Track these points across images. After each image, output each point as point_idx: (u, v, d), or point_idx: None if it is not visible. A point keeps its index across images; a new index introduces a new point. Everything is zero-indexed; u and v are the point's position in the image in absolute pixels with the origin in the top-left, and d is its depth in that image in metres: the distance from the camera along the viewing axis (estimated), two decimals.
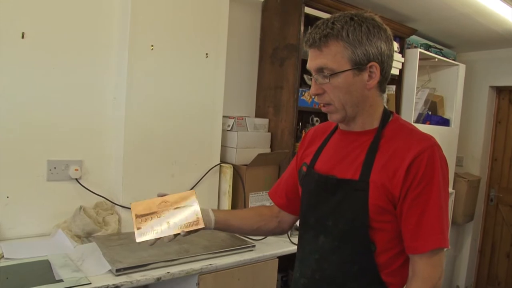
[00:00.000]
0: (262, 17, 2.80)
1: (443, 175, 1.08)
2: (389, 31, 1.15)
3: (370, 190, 1.09)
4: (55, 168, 1.97)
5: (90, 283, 1.45)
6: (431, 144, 1.09)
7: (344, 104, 1.14)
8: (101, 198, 2.09)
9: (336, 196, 1.16)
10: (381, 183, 1.08)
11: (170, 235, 1.21)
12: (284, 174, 1.47)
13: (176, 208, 1.26)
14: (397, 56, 3.10)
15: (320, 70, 1.13)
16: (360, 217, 1.10)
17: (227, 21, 2.38)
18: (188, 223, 1.23)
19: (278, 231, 1.49)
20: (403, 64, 3.20)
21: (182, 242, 1.89)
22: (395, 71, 3.14)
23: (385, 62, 1.14)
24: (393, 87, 3.24)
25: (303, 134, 2.60)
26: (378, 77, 1.13)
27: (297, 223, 1.40)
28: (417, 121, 3.37)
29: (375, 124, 1.18)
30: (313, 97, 2.61)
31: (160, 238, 1.21)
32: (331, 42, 1.10)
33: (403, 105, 3.28)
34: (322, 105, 1.18)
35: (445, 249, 1.09)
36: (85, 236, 1.90)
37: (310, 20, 2.68)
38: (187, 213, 1.25)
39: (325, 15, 2.75)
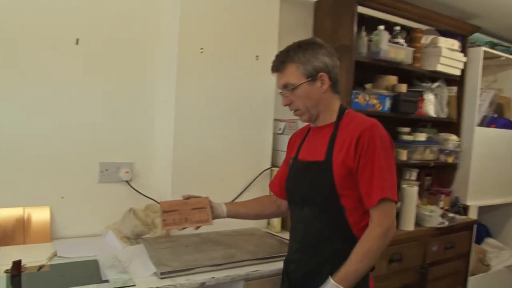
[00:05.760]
0: (314, 18, 2.73)
1: (381, 145, 1.40)
2: (329, 47, 1.52)
3: (334, 166, 1.43)
4: (106, 170, 2.02)
5: (135, 285, 1.46)
6: (370, 124, 1.43)
7: (308, 107, 1.51)
8: (151, 200, 2.12)
9: (310, 175, 1.51)
10: (341, 159, 1.43)
11: (180, 226, 1.64)
12: (279, 170, 1.83)
13: (193, 209, 1.65)
14: (458, 56, 2.92)
15: (285, 86, 1.51)
16: (330, 188, 1.44)
17: (278, 22, 2.34)
18: (201, 220, 1.64)
19: (277, 214, 1.89)
20: (465, 63, 3.01)
21: (229, 247, 1.87)
22: (456, 71, 2.96)
23: (331, 71, 1.49)
24: (454, 88, 3.05)
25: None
26: (328, 82, 1.49)
27: None
28: (481, 124, 3.15)
29: (334, 118, 1.53)
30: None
31: (177, 227, 1.64)
32: (288, 65, 1.49)
33: (465, 107, 3.09)
34: (293, 111, 1.55)
35: (396, 203, 1.42)
36: (134, 238, 1.92)
37: (365, 20, 2.58)
38: (201, 213, 1.65)
39: (380, 15, 2.66)
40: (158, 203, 2.11)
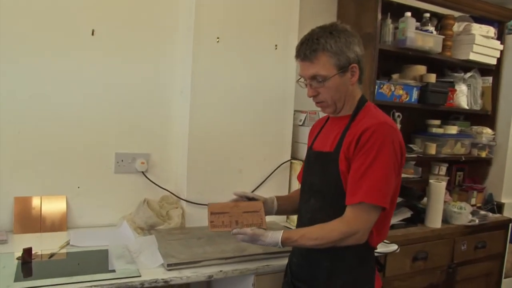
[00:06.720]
0: (338, 5, 2.64)
1: (383, 146, 1.30)
2: (358, 36, 1.42)
3: (340, 159, 1.38)
4: (122, 160, 2.02)
5: (140, 276, 1.45)
6: (379, 122, 1.34)
7: (335, 100, 1.43)
8: (167, 191, 2.11)
9: (319, 165, 1.47)
10: (346, 154, 1.37)
11: (230, 229, 1.50)
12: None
13: (245, 212, 1.57)
14: (493, 43, 2.75)
15: (313, 77, 1.40)
16: (336, 180, 1.38)
17: (298, 9, 2.26)
18: (253, 224, 1.52)
19: None
20: (501, 52, 2.83)
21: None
22: (491, 60, 2.79)
23: (361, 61, 1.41)
24: (489, 79, 2.89)
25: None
26: (357, 74, 1.41)
27: None
28: None
29: (352, 110, 1.45)
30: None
31: (226, 230, 1.52)
32: (319, 54, 1.36)
33: (501, 99, 2.91)
34: (316, 102, 1.46)
35: (384, 209, 1.33)
36: (148, 229, 1.92)
37: (390, 8, 2.47)
38: (253, 216, 1.56)
39: (409, 1, 2.54)
40: (175, 195, 2.11)
